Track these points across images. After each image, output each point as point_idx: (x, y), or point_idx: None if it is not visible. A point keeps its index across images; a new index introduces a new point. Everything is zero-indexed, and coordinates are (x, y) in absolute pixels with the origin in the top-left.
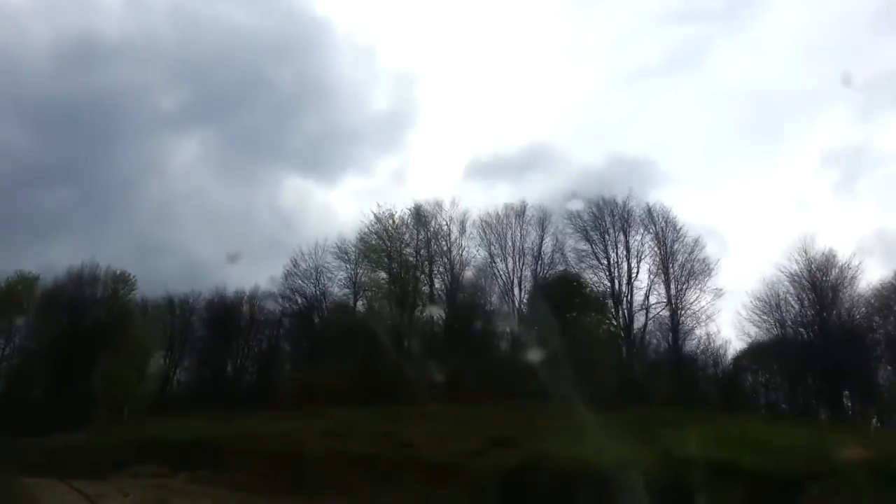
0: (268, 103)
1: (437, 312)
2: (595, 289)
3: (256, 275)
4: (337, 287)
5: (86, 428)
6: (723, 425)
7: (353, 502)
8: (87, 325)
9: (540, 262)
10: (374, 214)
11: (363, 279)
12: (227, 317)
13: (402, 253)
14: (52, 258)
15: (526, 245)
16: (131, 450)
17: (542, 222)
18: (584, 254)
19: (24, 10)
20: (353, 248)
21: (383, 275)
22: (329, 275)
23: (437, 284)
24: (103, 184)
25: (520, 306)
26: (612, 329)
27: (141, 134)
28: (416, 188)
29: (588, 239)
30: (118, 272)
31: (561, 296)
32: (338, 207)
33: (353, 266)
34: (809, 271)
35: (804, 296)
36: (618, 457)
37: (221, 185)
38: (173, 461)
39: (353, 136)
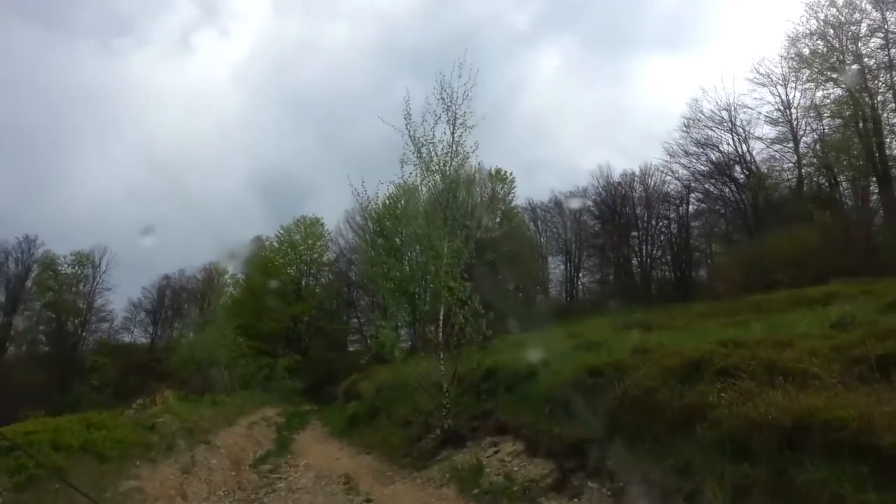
0: None
1: None
2: None
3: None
4: (765, 125)
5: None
6: None
7: None
8: None
9: None
10: (806, 5)
11: (801, 104)
12: (619, 202)
13: (862, 53)
14: None
15: None
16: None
17: None
18: None
19: None
20: (783, 64)
21: (836, 91)
22: (747, 112)
23: None
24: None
25: None
26: None
27: (504, 56)
28: None
29: None
30: (494, 171)
31: None
32: (714, 80)
33: (783, 90)
34: None
35: None
36: None
37: (585, 84)
38: (550, 437)
39: None
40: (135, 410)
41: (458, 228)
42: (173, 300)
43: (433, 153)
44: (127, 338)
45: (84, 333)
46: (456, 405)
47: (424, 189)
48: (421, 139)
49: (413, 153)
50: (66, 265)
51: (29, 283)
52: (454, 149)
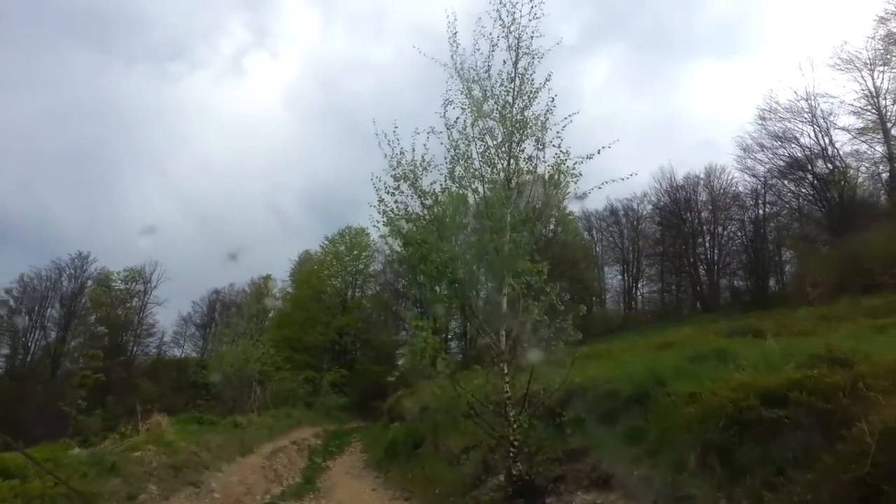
0: None
1: None
2: None
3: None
4: (849, 114)
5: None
6: None
7: None
8: None
9: None
10: None
11: (892, 89)
12: (682, 206)
13: None
14: None
15: None
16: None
17: None
18: None
19: None
20: (869, 47)
21: None
22: (829, 100)
23: None
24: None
25: None
26: None
27: (552, 68)
28: None
29: None
30: (547, 175)
31: None
32: (772, 83)
33: (868, 74)
34: None
35: None
36: None
37: (637, 93)
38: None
39: None
40: (111, 441)
41: (523, 193)
42: (223, 314)
43: (489, 91)
44: (178, 352)
45: (136, 349)
46: (527, 440)
47: (479, 142)
48: (471, 73)
49: (462, 92)
50: (118, 281)
51: (83, 300)
52: (517, 85)
